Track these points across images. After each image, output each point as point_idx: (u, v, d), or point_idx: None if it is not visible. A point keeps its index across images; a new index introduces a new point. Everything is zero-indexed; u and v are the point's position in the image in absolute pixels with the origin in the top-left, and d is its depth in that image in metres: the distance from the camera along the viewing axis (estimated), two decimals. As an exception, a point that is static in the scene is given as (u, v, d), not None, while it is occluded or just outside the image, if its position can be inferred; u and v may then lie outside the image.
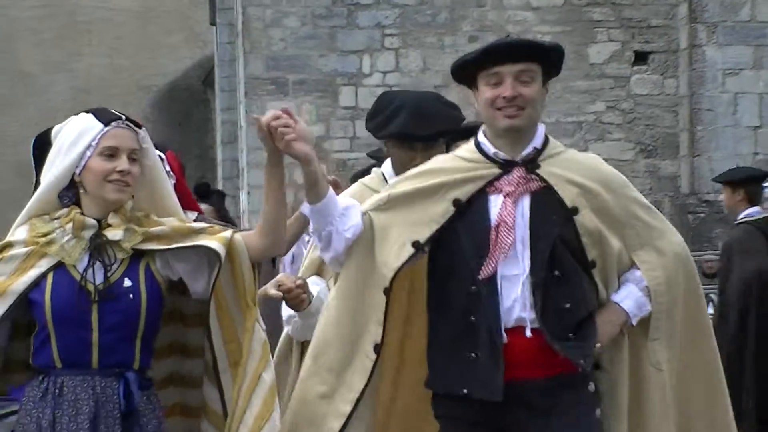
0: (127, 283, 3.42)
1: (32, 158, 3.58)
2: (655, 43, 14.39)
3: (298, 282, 4.00)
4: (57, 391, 3.39)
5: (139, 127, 3.49)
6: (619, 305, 3.68)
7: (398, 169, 4.13)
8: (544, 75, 3.68)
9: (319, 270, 4.18)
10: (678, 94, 14.38)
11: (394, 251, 3.64)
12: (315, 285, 4.13)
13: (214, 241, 3.45)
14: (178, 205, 3.60)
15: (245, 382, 3.43)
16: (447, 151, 5.40)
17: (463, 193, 3.64)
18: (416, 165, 3.97)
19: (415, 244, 3.64)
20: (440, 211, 3.64)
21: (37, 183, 3.52)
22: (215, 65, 18.31)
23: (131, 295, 3.41)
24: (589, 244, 3.62)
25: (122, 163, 3.41)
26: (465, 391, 3.59)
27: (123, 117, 3.47)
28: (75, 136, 3.45)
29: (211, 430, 3.54)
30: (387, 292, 3.63)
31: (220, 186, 16.77)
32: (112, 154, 3.43)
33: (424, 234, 3.64)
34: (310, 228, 3.92)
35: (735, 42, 14.04)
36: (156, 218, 3.51)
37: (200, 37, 24.24)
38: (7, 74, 24.52)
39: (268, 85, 14.04)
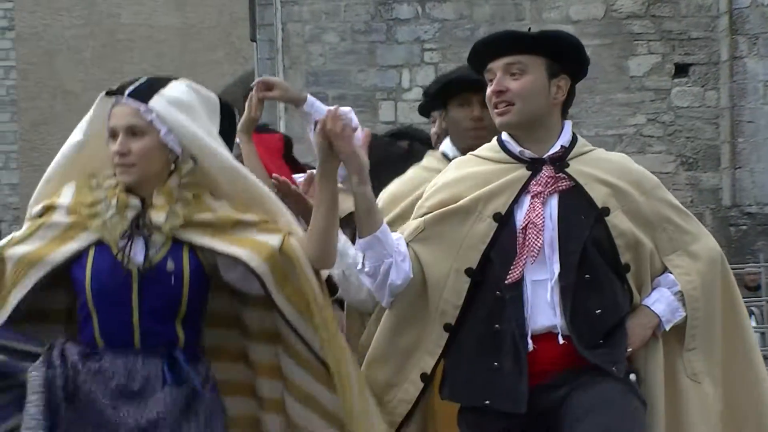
0: (170, 265, 3.28)
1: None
2: (696, 55, 14.34)
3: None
4: (100, 372, 3.27)
5: (143, 99, 3.27)
6: (650, 308, 3.48)
7: (459, 136, 3.98)
8: (558, 67, 3.45)
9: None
10: (719, 106, 14.32)
11: (451, 285, 3.46)
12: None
13: (253, 252, 3.27)
14: (249, 179, 3.36)
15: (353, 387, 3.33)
16: (410, 152, 5.32)
17: (502, 204, 3.44)
18: (474, 121, 3.85)
19: (469, 272, 3.44)
20: (483, 229, 3.44)
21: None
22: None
23: (173, 279, 3.27)
24: (623, 246, 3.45)
25: (117, 144, 3.25)
26: (487, 402, 3.41)
27: (127, 92, 3.27)
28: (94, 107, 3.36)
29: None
30: (450, 328, 3.46)
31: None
32: (113, 135, 3.28)
33: (474, 258, 3.44)
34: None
35: (776, 53, 13.99)
36: (208, 200, 3.32)
37: (241, 53, 24.39)
38: (49, 92, 24.77)
39: (308, 100, 14.10)
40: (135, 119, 3.27)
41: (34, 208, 3.38)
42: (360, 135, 3.38)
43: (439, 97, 4.09)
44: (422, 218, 3.53)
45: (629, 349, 3.45)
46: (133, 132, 3.27)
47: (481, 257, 3.44)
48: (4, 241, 3.36)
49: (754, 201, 14.03)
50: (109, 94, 3.33)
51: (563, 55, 3.46)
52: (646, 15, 14.25)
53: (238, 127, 4.36)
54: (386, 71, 14.12)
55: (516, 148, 3.48)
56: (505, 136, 3.52)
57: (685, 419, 3.49)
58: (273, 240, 3.30)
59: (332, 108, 3.31)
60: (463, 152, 3.97)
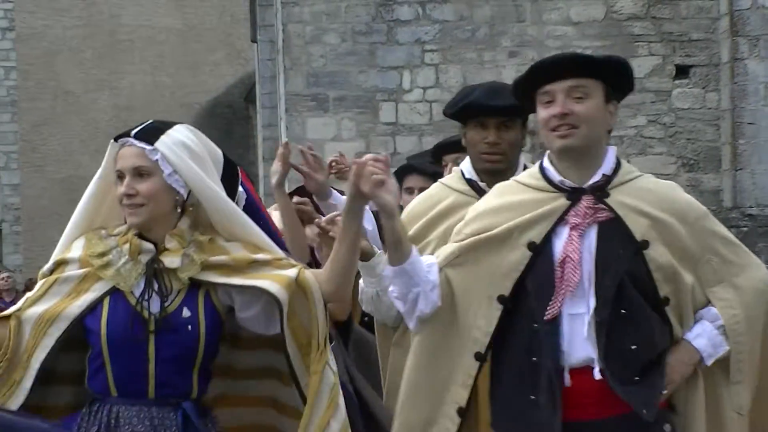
0: (186, 313, 3.26)
1: None
2: (697, 56, 14.33)
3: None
4: (113, 422, 3.26)
5: (149, 141, 3.29)
6: (691, 344, 3.42)
7: (472, 156, 3.98)
8: (610, 91, 3.42)
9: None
10: (720, 107, 14.31)
11: (482, 312, 3.43)
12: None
13: (275, 283, 3.25)
14: (248, 226, 3.37)
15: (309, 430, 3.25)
16: (439, 169, 5.34)
17: (537, 234, 3.40)
18: (489, 146, 3.84)
19: (501, 299, 3.42)
20: (517, 258, 3.41)
21: None
22: (256, 82, 18.41)
23: (189, 327, 3.26)
24: (661, 279, 3.37)
25: (124, 185, 3.26)
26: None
27: (133, 134, 3.30)
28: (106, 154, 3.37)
29: None
30: (481, 357, 3.44)
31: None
32: (120, 177, 3.29)
33: (506, 287, 3.41)
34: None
35: (777, 55, 13.98)
36: (221, 243, 3.32)
37: (242, 54, 24.39)
38: (50, 92, 24.76)
39: (309, 101, 14.10)
40: (141, 160, 3.28)
41: (46, 266, 3.37)
42: (392, 183, 3.34)
43: (457, 117, 4.09)
44: (458, 244, 3.51)
45: (667, 387, 3.37)
46: (139, 173, 3.27)
47: (514, 286, 3.41)
48: (20, 304, 3.34)
49: (755, 202, 14.01)
50: (116, 139, 3.33)
51: (618, 82, 3.44)
52: (646, 16, 14.24)
53: (273, 181, 4.44)
54: (387, 72, 14.11)
55: (556, 177, 3.45)
56: (546, 163, 3.49)
57: None
58: (290, 272, 3.30)
59: (369, 156, 3.32)
60: (480, 173, 3.98)
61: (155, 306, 3.26)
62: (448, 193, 3.92)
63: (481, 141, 3.94)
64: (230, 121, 24.27)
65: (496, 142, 3.93)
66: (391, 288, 3.51)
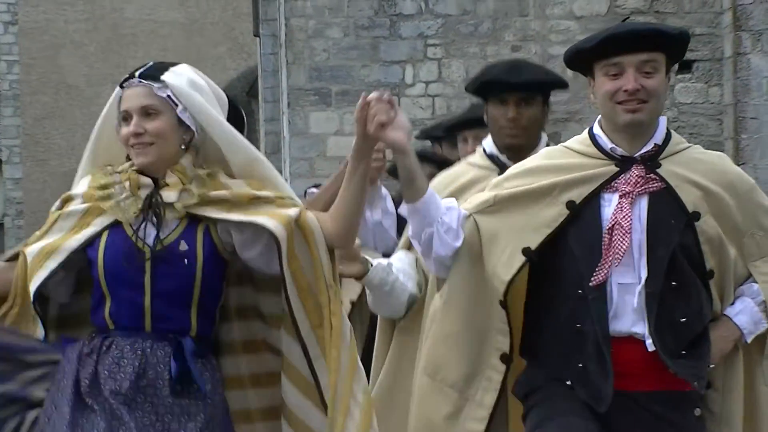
0: (183, 246, 3.24)
1: None
2: (700, 51, 14.32)
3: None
4: (104, 348, 3.25)
5: (155, 78, 3.24)
6: (732, 320, 3.39)
7: (492, 132, 3.97)
8: (669, 63, 3.39)
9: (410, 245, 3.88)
10: (722, 102, 14.30)
11: (504, 260, 3.39)
12: (398, 260, 3.93)
13: (274, 219, 3.21)
14: (262, 161, 3.35)
15: (338, 400, 3.19)
16: (455, 145, 5.34)
17: (578, 194, 3.36)
18: (509, 121, 3.82)
19: (526, 252, 3.37)
20: (553, 214, 3.37)
21: None
22: (259, 76, 18.40)
23: (186, 260, 3.23)
24: (709, 252, 3.34)
25: (132, 125, 3.22)
26: (569, 382, 3.35)
27: (138, 74, 3.26)
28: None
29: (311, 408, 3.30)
30: (503, 304, 3.39)
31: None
32: (126, 118, 3.25)
33: (535, 240, 3.37)
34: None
35: (780, 50, 13.97)
36: (223, 178, 3.28)
37: (244, 48, 24.39)
38: (53, 86, 24.77)
39: (311, 95, 14.09)
40: (149, 99, 3.24)
41: (54, 205, 3.39)
42: (403, 117, 3.31)
43: (479, 93, 4.10)
44: (494, 193, 3.47)
45: (712, 365, 3.35)
46: (147, 112, 3.24)
47: (550, 246, 3.35)
48: (27, 241, 3.38)
49: (757, 197, 14.05)
50: (122, 85, 3.30)
51: (677, 54, 3.41)
52: (649, 11, 14.23)
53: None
54: (390, 67, 14.11)
55: (608, 144, 3.40)
56: (597, 129, 3.43)
57: (764, 428, 3.41)
58: (291, 212, 3.25)
59: (377, 94, 3.28)
60: (501, 149, 3.97)
61: (151, 238, 3.24)
62: (469, 169, 3.93)
63: (502, 117, 3.94)
64: (232, 114, 24.26)
65: (516, 118, 3.93)
66: (408, 228, 3.50)
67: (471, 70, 13.99)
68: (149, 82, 3.24)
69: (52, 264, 3.26)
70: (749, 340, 3.41)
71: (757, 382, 3.42)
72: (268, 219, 3.21)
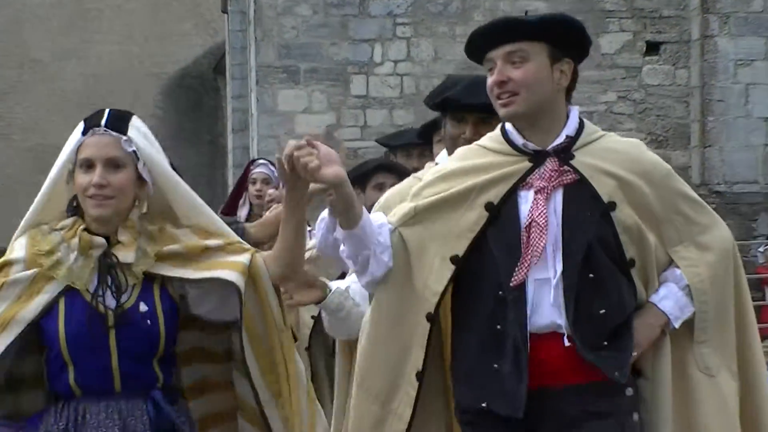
0: (143, 308, 3.17)
1: None
2: (667, 33, 14.36)
3: (311, 255, 3.68)
4: (80, 419, 3.16)
5: (122, 130, 3.18)
6: (657, 306, 3.34)
7: (449, 150, 3.89)
8: (557, 50, 3.30)
9: None
10: (689, 84, 14.35)
11: (435, 271, 3.35)
12: (354, 281, 3.89)
13: (232, 270, 3.18)
14: (197, 207, 3.30)
15: (304, 414, 3.21)
16: (420, 157, 5.30)
17: (495, 194, 3.32)
18: (466, 142, 3.72)
19: (455, 260, 3.33)
20: (473, 218, 3.32)
21: None
22: (226, 53, 18.31)
23: (149, 321, 3.17)
24: (628, 241, 3.29)
25: (96, 175, 3.11)
26: (484, 404, 3.30)
27: (103, 123, 3.17)
28: (67, 143, 3.21)
29: None
30: (431, 317, 3.35)
31: (230, 174, 16.76)
32: (89, 165, 3.14)
33: (461, 247, 3.32)
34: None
35: (747, 33, 14.02)
36: (171, 230, 3.24)
37: (211, 24, 24.24)
38: (16, 61, 24.54)
39: (280, 73, 14.03)
40: (115, 151, 3.17)
41: None
42: (326, 149, 3.21)
43: (437, 109, 4.04)
44: (414, 204, 3.43)
45: (635, 352, 3.30)
46: (113, 164, 3.16)
47: (474, 249, 3.33)
48: None
49: (722, 180, 14.09)
50: (84, 132, 3.18)
51: (565, 40, 3.32)
52: (618, -8, 14.26)
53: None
54: (358, 45, 14.07)
55: (519, 140, 3.36)
56: (508, 126, 3.41)
57: (699, 414, 3.36)
58: (243, 258, 3.23)
59: (291, 146, 3.16)
60: None
61: (111, 301, 3.16)
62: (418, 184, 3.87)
63: (459, 136, 3.90)
64: (199, 92, 24.14)
65: (473, 139, 3.89)
66: (342, 248, 3.44)
67: (440, 50, 13.98)
68: (117, 134, 3.18)
69: (6, 338, 3.13)
70: (677, 326, 3.37)
71: (689, 368, 3.38)
72: (228, 272, 3.18)
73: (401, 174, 5.00)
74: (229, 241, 3.27)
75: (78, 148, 3.17)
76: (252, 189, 6.63)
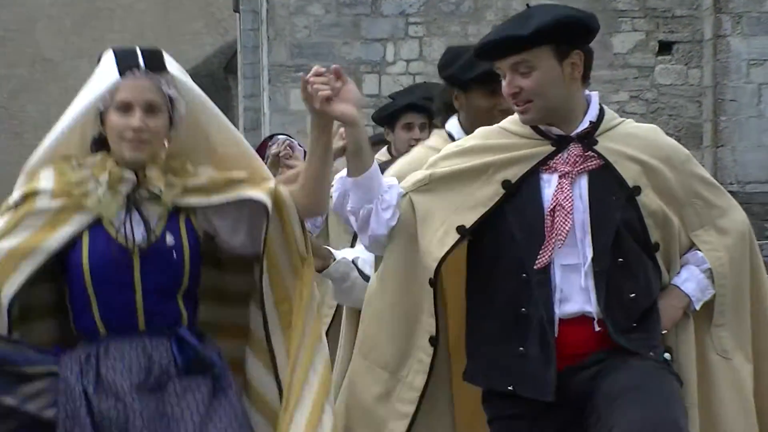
0: (170, 240, 3.13)
1: None
2: (680, 33, 14.33)
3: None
4: (102, 352, 3.11)
5: (162, 69, 3.12)
6: (680, 288, 3.38)
7: (478, 120, 3.82)
8: (563, 48, 3.28)
9: None
10: (702, 84, 14.33)
11: (438, 238, 3.35)
12: (353, 252, 3.91)
13: (259, 191, 3.16)
14: (235, 137, 3.28)
15: (297, 366, 3.16)
16: (422, 130, 5.26)
17: (513, 173, 3.32)
18: (499, 112, 3.73)
19: (460, 230, 3.33)
20: (488, 193, 3.34)
21: None
22: (238, 52, 18.33)
23: (174, 253, 3.13)
24: (653, 225, 3.32)
25: (135, 119, 3.08)
26: (510, 387, 3.31)
27: (141, 63, 3.10)
28: (95, 78, 3.14)
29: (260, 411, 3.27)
30: (432, 282, 3.35)
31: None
32: (126, 108, 3.09)
33: (469, 218, 3.33)
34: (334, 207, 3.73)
35: (760, 33, 13.98)
36: (190, 167, 3.20)
37: (222, 23, 24.28)
38: (28, 59, 24.61)
39: (292, 72, 14.04)
40: (155, 95, 3.13)
41: (11, 198, 3.16)
42: (350, 87, 3.25)
43: (459, 83, 3.94)
44: (429, 172, 3.43)
45: (663, 332, 3.34)
46: (151, 108, 3.13)
47: (478, 219, 3.33)
48: None
49: (735, 179, 14.05)
50: (122, 72, 3.12)
51: (566, 35, 3.30)
52: (632, -9, 14.25)
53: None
54: (371, 44, 14.07)
55: (542, 125, 3.36)
56: None
57: (716, 396, 3.41)
58: (267, 184, 3.22)
59: (312, 72, 3.23)
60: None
61: (138, 234, 3.12)
62: (431, 153, 3.76)
63: (494, 107, 3.85)
64: (209, 90, 24.00)
65: (510, 110, 3.86)
66: (348, 204, 3.45)
67: (452, 49, 13.97)
68: (157, 75, 3.14)
69: (27, 267, 3.09)
70: (698, 307, 3.41)
71: (707, 350, 3.43)
72: (253, 191, 3.17)
73: (430, 115, 4.97)
74: (252, 175, 3.23)
75: (114, 90, 3.11)
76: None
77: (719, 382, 3.41)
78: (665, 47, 14.36)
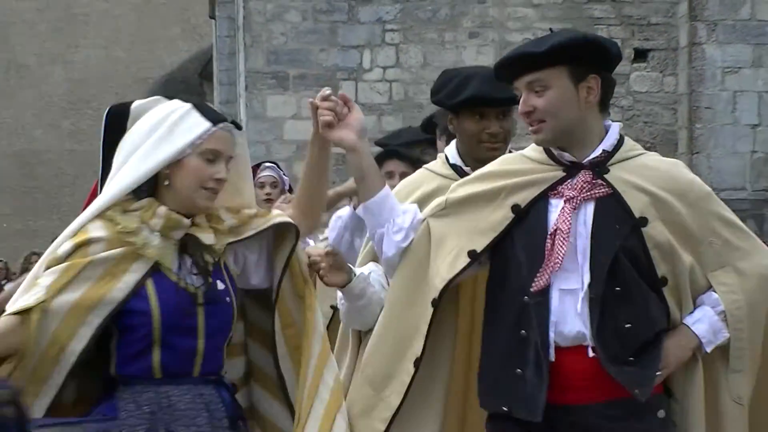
0: (221, 285, 3.19)
1: (103, 130, 3.29)
2: (655, 40, 14.39)
3: (328, 250, 3.69)
4: (164, 401, 3.13)
5: (239, 128, 3.28)
6: (690, 328, 3.32)
7: (469, 145, 3.90)
8: (583, 70, 3.30)
9: (376, 258, 3.83)
10: (677, 91, 14.38)
11: (449, 261, 3.37)
12: (371, 270, 3.89)
13: (279, 217, 3.28)
14: (253, 195, 3.42)
15: (308, 382, 3.22)
16: (422, 155, 5.31)
17: (523, 198, 3.35)
18: (487, 135, 3.79)
19: (471, 254, 3.34)
20: (498, 218, 3.36)
21: (105, 161, 3.23)
22: (214, 58, 18.28)
23: (228, 298, 3.20)
24: (659, 258, 3.28)
25: (221, 170, 3.17)
26: (505, 408, 3.31)
27: (227, 118, 3.26)
28: (170, 126, 3.18)
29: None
30: (435, 303, 3.36)
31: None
32: (213, 158, 3.17)
33: (481, 243, 3.36)
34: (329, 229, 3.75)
35: (735, 40, 14.05)
36: (222, 213, 3.27)
37: (197, 30, 24.23)
38: (3, 65, 24.50)
39: (269, 79, 14.02)
40: (233, 150, 3.25)
41: (60, 249, 3.12)
42: (357, 115, 3.38)
43: (452, 107, 3.97)
44: (446, 197, 3.48)
45: (662, 370, 3.29)
46: (228, 161, 3.22)
47: (489, 245, 3.36)
48: (37, 294, 3.03)
49: (710, 186, 14.04)
50: (215, 122, 3.21)
51: (583, 57, 3.31)
52: (606, 0, 14.29)
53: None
54: (347, 51, 14.06)
55: (555, 150, 3.37)
56: None
57: None
58: (273, 213, 3.34)
59: (319, 96, 3.35)
60: (470, 161, 3.91)
61: (196, 281, 3.16)
62: (432, 178, 3.86)
63: (482, 131, 3.88)
64: (185, 97, 24.07)
65: (498, 133, 3.88)
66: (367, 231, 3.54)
67: (428, 56, 13.98)
68: (237, 132, 3.28)
69: (96, 319, 3.05)
70: (709, 350, 3.34)
71: (721, 394, 3.33)
72: (278, 218, 3.27)
73: (413, 162, 4.99)
74: (258, 210, 3.34)
75: (206, 138, 3.19)
76: (261, 193, 6.62)
77: (731, 427, 3.35)
78: (641, 55, 14.41)
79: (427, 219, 3.46)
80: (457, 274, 3.37)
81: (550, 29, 3.42)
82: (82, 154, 22.86)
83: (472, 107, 3.88)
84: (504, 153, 3.87)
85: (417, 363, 3.40)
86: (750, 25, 14.07)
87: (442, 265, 3.39)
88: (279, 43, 14.03)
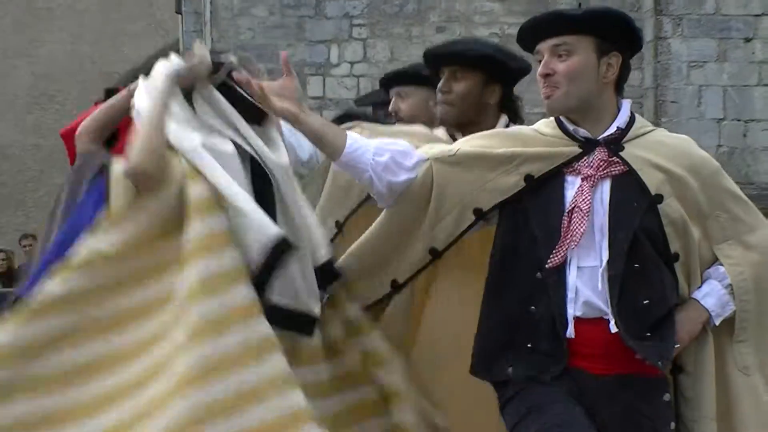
0: None
1: None
2: (621, 35, 14.44)
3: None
4: None
5: None
6: (699, 302, 3.39)
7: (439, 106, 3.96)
8: (607, 45, 3.35)
9: None
10: (643, 86, 14.44)
11: (453, 216, 3.43)
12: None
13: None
14: None
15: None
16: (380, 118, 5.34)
17: (537, 169, 3.38)
18: (439, 92, 3.86)
19: (477, 212, 3.41)
20: (509, 183, 3.39)
21: None
22: (181, 54, 18.18)
23: None
24: (673, 234, 3.34)
25: None
26: (510, 369, 3.37)
27: None
28: None
29: None
30: (434, 253, 3.45)
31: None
32: None
33: (487, 202, 3.38)
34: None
35: (700, 35, 14.12)
36: None
37: (162, 25, 24.11)
38: (-34, 60, 24.31)
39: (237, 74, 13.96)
40: None
41: None
42: (286, 85, 3.48)
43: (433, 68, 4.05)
44: (458, 146, 3.49)
45: (677, 345, 3.34)
46: None
47: (495, 205, 3.40)
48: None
49: (676, 180, 14.21)
50: None
51: (612, 33, 3.34)
52: (572, -6, 14.32)
53: None
54: (315, 46, 14.04)
55: (570, 126, 3.40)
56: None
57: (735, 410, 3.41)
58: None
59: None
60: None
61: None
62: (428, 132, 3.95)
63: (438, 90, 3.96)
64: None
65: (444, 90, 3.93)
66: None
67: (396, 51, 13.97)
68: None
69: None
70: (717, 323, 3.41)
71: (728, 366, 3.43)
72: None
73: (368, 119, 5.01)
74: None
75: None
76: None
77: (739, 397, 3.40)
78: (606, 49, 14.46)
79: (432, 161, 3.47)
80: (464, 232, 3.42)
81: (579, 4, 3.49)
82: (46, 149, 22.70)
83: (433, 66, 3.98)
84: (459, 119, 3.91)
85: (394, 285, 3.50)
86: (715, 20, 14.15)
87: (445, 218, 3.43)
88: (246, 39, 13.99)
